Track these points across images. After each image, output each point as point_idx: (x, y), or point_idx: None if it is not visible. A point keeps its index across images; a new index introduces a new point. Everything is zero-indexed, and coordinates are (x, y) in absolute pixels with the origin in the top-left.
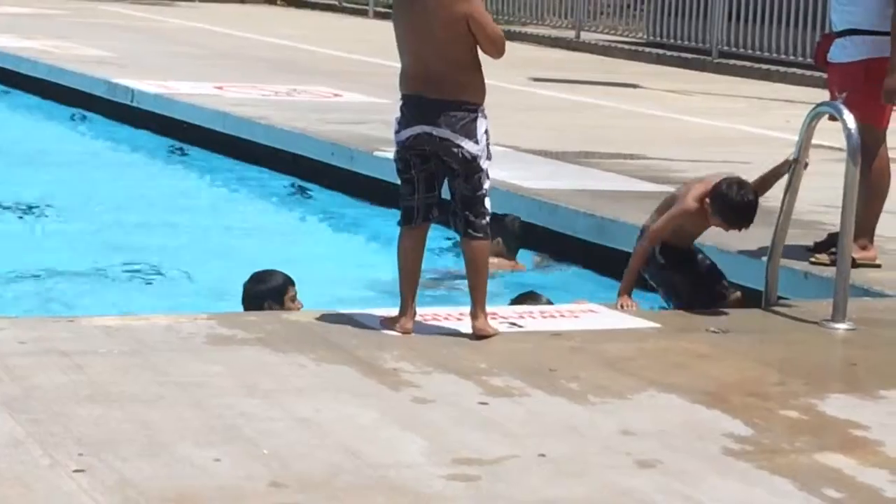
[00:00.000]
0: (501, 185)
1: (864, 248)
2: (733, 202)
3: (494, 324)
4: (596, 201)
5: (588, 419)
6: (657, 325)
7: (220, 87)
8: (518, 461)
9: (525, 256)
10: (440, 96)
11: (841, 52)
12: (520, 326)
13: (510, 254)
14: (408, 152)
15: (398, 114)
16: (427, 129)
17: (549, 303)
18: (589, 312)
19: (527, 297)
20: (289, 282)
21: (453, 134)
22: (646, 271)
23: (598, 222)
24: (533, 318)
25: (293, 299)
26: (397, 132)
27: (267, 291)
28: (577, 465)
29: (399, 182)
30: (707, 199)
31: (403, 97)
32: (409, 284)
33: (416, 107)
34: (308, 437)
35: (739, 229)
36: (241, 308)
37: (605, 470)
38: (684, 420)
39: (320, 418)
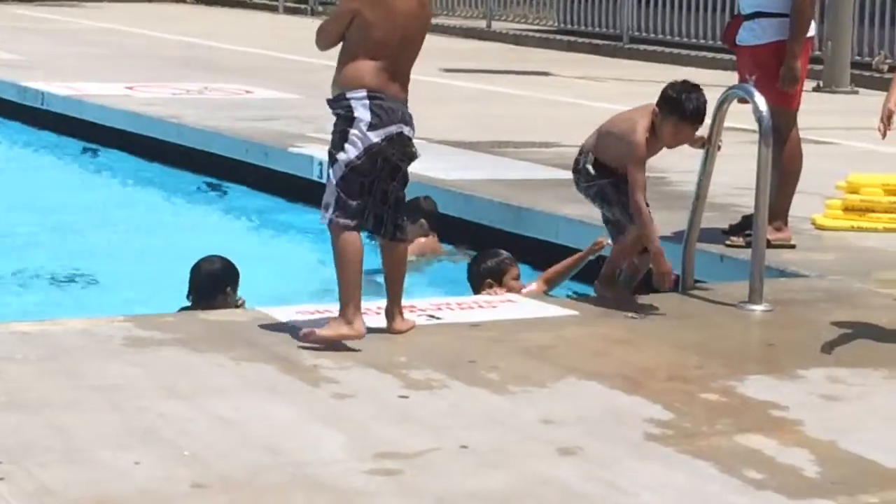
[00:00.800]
0: (415, 176)
1: (778, 229)
2: (685, 89)
3: (412, 316)
4: (511, 190)
5: (509, 409)
6: (575, 313)
7: (130, 88)
8: (440, 454)
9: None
10: (406, 96)
11: (749, 34)
12: (438, 318)
13: (433, 233)
14: (380, 153)
15: (365, 112)
16: (404, 128)
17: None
18: (507, 302)
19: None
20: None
21: (413, 133)
22: (579, 187)
23: (513, 211)
24: (451, 310)
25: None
26: (371, 129)
27: (231, 276)
28: (499, 455)
29: (343, 179)
30: (655, 111)
31: (382, 95)
32: (359, 286)
33: (397, 106)
34: (229, 437)
35: (693, 124)
36: (156, 306)
37: (527, 459)
38: (605, 406)
39: (240, 417)
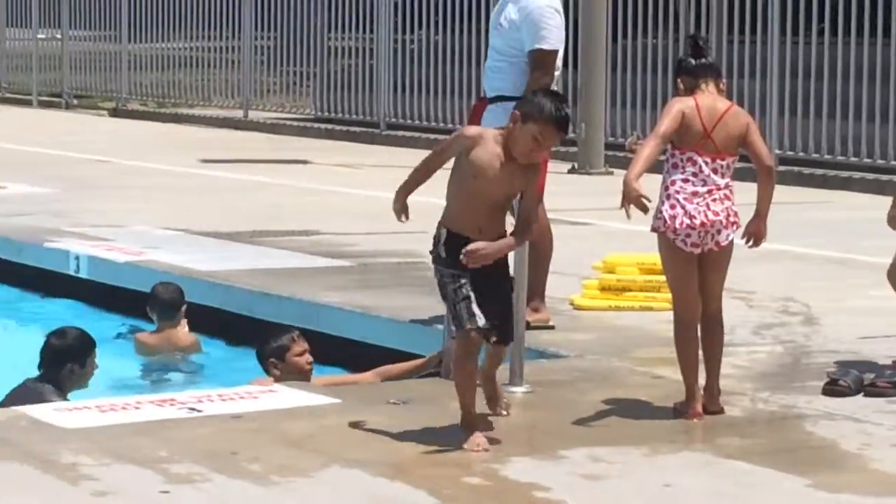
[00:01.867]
0: (173, 269)
1: (536, 310)
2: (547, 95)
3: (173, 410)
4: (270, 279)
5: (272, 500)
6: (338, 401)
7: None
8: None
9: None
10: None
11: (493, 117)
12: (199, 411)
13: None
14: None
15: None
16: None
17: None
18: (269, 392)
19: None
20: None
21: None
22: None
23: (273, 301)
24: (212, 402)
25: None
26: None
27: (76, 351)
28: None
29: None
30: (516, 121)
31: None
32: None
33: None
34: None
35: (559, 131)
36: None
37: None
38: (368, 494)
39: None
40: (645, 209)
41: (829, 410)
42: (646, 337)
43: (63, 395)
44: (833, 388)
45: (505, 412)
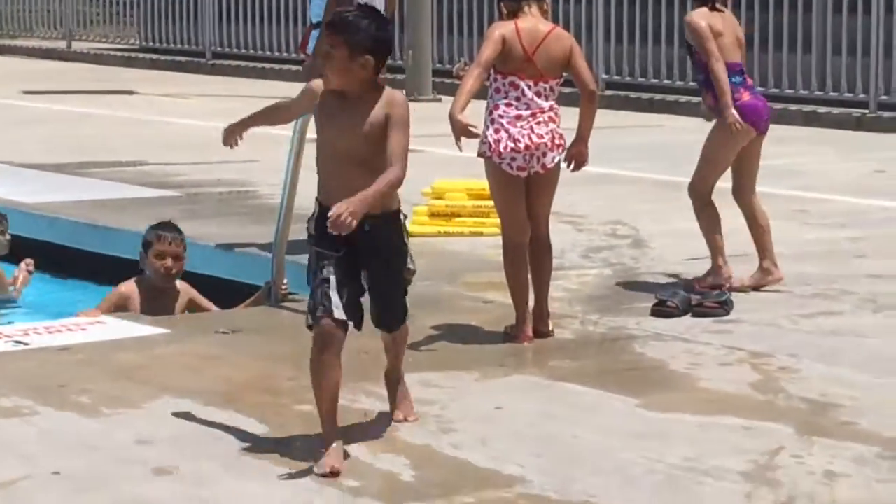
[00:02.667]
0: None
1: None
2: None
3: (0, 343)
4: (96, 211)
5: (102, 432)
6: (167, 331)
7: None
8: (32, 481)
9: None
10: None
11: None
12: (26, 344)
13: None
14: None
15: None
16: None
17: None
18: (97, 324)
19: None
20: None
21: None
22: None
23: (99, 232)
24: (39, 334)
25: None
26: None
27: None
28: (94, 479)
29: None
30: None
31: None
32: None
33: None
34: None
35: None
36: None
37: (122, 481)
38: (199, 424)
39: None
40: (475, 136)
41: (658, 331)
42: (475, 262)
43: None
44: (661, 309)
45: (411, 418)
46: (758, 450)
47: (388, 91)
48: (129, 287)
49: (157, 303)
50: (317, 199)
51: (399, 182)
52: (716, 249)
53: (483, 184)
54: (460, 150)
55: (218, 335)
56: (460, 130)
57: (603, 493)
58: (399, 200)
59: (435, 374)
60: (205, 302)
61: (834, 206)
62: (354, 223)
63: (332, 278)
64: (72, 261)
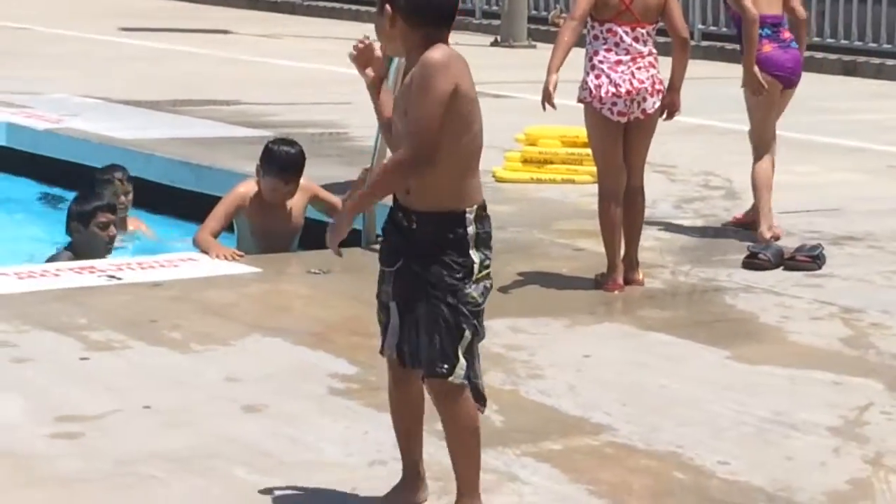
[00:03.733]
0: (95, 137)
1: None
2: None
3: (93, 277)
4: (190, 149)
5: (192, 368)
6: (258, 270)
7: None
8: (122, 415)
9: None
10: None
11: None
12: (118, 279)
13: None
14: None
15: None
16: None
17: None
18: (189, 261)
19: None
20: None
21: None
22: None
23: (193, 170)
24: (132, 270)
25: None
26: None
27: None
28: (183, 415)
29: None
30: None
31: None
32: None
33: None
34: None
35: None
36: None
37: (212, 418)
38: (289, 363)
39: None
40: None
41: (749, 283)
42: (567, 209)
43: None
44: (753, 262)
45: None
46: (847, 405)
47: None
48: (247, 187)
49: (270, 213)
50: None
51: (403, 166)
52: (757, 206)
53: (577, 131)
54: (544, 109)
55: (310, 275)
56: (546, 97)
57: (690, 444)
58: (466, 198)
59: (524, 320)
60: (330, 196)
61: None
62: (340, 237)
63: (386, 309)
64: (166, 198)
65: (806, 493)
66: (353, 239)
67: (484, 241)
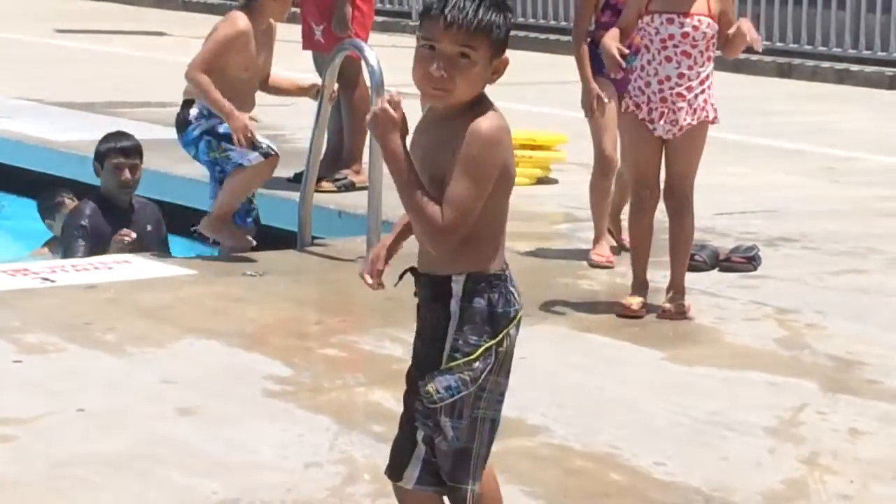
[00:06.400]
0: (30, 139)
1: (358, 172)
2: None
3: (26, 280)
4: None
5: (127, 371)
6: (193, 272)
7: None
8: (56, 417)
9: None
10: None
11: None
12: (52, 281)
13: None
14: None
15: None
16: None
17: None
18: (123, 263)
19: None
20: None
21: None
22: None
23: None
24: (66, 272)
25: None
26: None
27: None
28: (117, 417)
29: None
30: None
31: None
32: None
33: None
34: None
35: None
36: None
37: (146, 420)
38: (224, 365)
39: None
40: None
41: (686, 284)
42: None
43: None
44: (690, 263)
45: None
46: (782, 405)
47: None
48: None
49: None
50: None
51: (434, 228)
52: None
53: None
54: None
55: (245, 277)
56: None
57: (626, 445)
58: (484, 261)
59: None
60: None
61: (864, 165)
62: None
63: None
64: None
65: (742, 493)
66: (289, 241)
67: None
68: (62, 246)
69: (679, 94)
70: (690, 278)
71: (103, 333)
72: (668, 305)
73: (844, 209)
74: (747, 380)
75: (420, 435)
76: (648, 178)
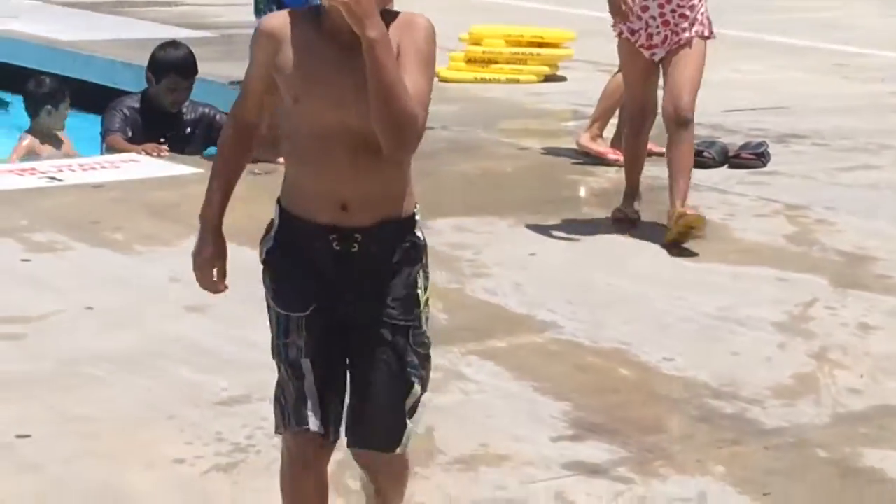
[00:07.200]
0: (35, 39)
1: None
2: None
3: (34, 179)
4: (133, 51)
5: (135, 269)
6: (200, 171)
7: None
8: (64, 315)
9: None
10: None
11: None
12: (59, 180)
13: None
14: None
15: None
16: None
17: None
18: (130, 162)
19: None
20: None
21: None
22: None
23: (135, 72)
24: (73, 171)
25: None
26: None
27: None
28: (126, 315)
29: None
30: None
31: None
32: None
33: None
34: None
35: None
36: None
37: (155, 318)
38: (232, 263)
39: None
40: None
41: (694, 181)
42: (511, 109)
43: None
44: (697, 159)
45: None
46: (792, 301)
47: None
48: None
49: None
50: (279, 203)
51: (413, 130)
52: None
53: (521, 30)
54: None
55: (252, 176)
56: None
57: (635, 341)
58: (414, 202)
59: (469, 219)
60: None
61: (875, 61)
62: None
63: (304, 364)
64: (107, 99)
65: (751, 388)
66: None
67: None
68: (104, 117)
69: (682, 15)
70: (699, 175)
71: (111, 232)
72: (685, 209)
73: (855, 105)
74: (757, 276)
75: (417, 389)
76: (647, 103)
